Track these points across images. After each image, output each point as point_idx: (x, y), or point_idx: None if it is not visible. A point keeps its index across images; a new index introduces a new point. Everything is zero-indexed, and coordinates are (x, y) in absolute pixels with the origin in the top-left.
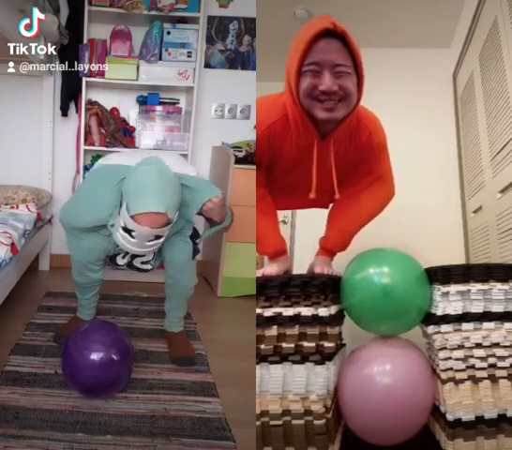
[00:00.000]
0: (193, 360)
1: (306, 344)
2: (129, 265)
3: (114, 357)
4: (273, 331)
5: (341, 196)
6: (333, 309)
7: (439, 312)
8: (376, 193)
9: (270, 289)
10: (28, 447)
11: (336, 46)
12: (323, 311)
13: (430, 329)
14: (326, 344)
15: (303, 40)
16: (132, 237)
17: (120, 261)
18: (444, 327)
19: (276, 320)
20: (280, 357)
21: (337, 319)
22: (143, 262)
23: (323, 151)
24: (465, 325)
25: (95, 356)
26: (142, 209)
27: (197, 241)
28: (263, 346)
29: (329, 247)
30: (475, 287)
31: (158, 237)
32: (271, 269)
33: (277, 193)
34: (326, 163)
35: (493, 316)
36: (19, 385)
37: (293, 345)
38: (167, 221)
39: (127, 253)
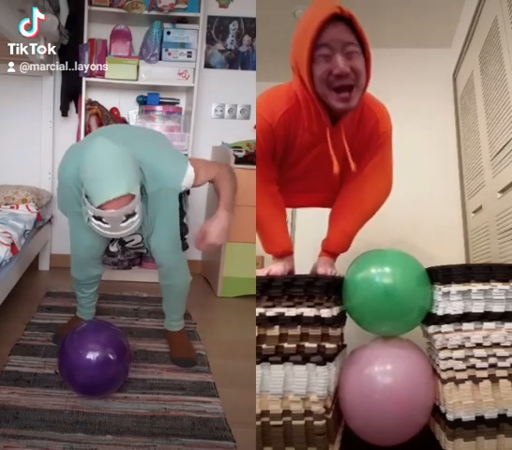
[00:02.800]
0: (194, 361)
1: (307, 345)
2: (124, 250)
3: (111, 357)
4: (275, 331)
5: (340, 194)
6: (335, 311)
7: (440, 312)
8: (375, 188)
9: (273, 288)
10: (28, 447)
11: (343, 28)
12: (325, 312)
13: (431, 329)
14: (328, 345)
15: (311, 27)
16: (105, 223)
17: (112, 248)
18: (445, 327)
19: (278, 320)
20: (282, 357)
21: (339, 320)
22: (135, 244)
23: (334, 137)
24: (466, 325)
25: (91, 356)
26: (102, 199)
27: (185, 237)
28: (264, 346)
29: (331, 249)
30: (476, 287)
31: (130, 216)
32: (277, 268)
33: (283, 190)
34: (337, 150)
35: (494, 316)
36: (19, 385)
37: (294, 345)
38: (131, 198)
39: (114, 239)
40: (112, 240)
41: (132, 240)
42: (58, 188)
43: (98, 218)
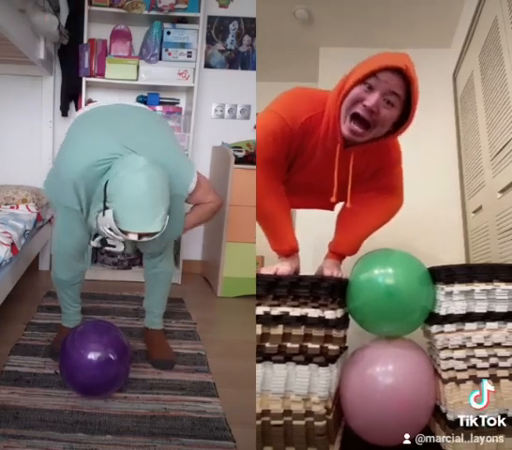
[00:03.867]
0: (174, 363)
1: (310, 345)
2: (102, 244)
3: (112, 357)
4: (279, 330)
5: (352, 202)
6: (339, 313)
7: (442, 312)
8: (386, 203)
9: (279, 288)
10: (28, 447)
11: (398, 82)
12: (329, 314)
13: (434, 329)
14: (331, 347)
15: (376, 63)
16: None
17: (94, 243)
18: (448, 327)
19: (282, 319)
20: (284, 357)
21: (342, 322)
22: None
23: (342, 158)
24: (468, 325)
25: (92, 356)
26: (132, 229)
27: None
28: (267, 344)
29: (339, 251)
30: (479, 287)
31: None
32: (284, 267)
33: (287, 191)
34: (342, 170)
35: (497, 316)
36: (19, 385)
37: (297, 345)
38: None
39: (96, 235)
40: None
41: (115, 246)
42: (56, 181)
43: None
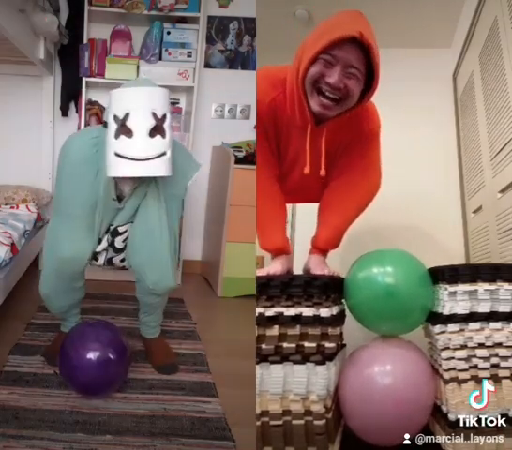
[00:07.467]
0: (177, 366)
1: (307, 344)
2: (109, 263)
3: (111, 356)
4: (274, 331)
5: (328, 188)
6: (334, 310)
7: (446, 312)
8: (362, 185)
9: (272, 288)
10: (28, 447)
11: (356, 51)
12: (324, 312)
13: (437, 329)
14: (327, 344)
15: (326, 37)
16: (129, 135)
17: (100, 247)
18: (451, 327)
19: (277, 319)
20: (281, 357)
21: (338, 319)
22: (121, 260)
23: (316, 135)
24: (472, 325)
25: (91, 355)
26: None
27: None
28: (264, 345)
29: (322, 246)
30: (483, 287)
31: (157, 130)
32: (275, 268)
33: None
34: (318, 148)
35: (500, 316)
36: (18, 385)
37: (294, 345)
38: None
39: (105, 251)
40: (100, 241)
41: (125, 231)
42: (64, 181)
43: (123, 131)
